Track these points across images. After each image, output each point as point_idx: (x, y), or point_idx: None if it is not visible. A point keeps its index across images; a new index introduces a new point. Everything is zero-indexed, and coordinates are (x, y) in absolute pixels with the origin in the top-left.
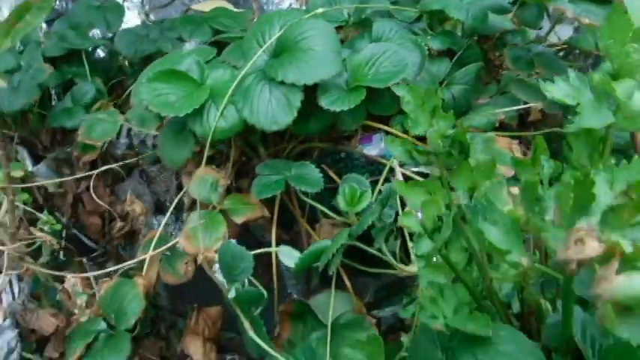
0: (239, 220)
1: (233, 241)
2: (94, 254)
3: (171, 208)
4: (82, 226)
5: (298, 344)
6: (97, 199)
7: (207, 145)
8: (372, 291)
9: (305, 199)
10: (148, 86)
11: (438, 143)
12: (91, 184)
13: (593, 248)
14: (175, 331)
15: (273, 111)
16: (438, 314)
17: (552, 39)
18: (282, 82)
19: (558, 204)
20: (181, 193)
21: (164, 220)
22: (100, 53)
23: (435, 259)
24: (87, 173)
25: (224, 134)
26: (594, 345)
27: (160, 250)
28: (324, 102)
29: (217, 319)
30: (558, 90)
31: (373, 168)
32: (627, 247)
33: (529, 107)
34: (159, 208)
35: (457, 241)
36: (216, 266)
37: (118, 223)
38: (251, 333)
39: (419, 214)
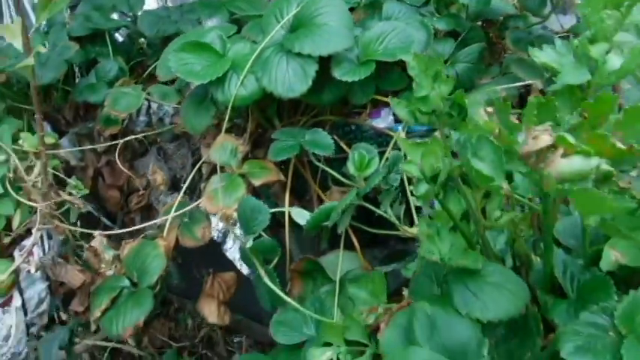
0: (257, 182)
1: None
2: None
3: (187, 182)
4: (99, 205)
5: (308, 299)
6: (121, 166)
7: (229, 110)
8: (378, 262)
9: (317, 163)
10: (175, 55)
11: (439, 105)
12: (116, 153)
13: (545, 140)
14: (184, 313)
15: (289, 80)
16: (435, 251)
17: (556, 27)
18: (298, 54)
19: (525, 122)
20: (200, 162)
21: (180, 193)
22: (119, 37)
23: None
24: (109, 143)
25: (244, 101)
26: (573, 280)
27: (180, 212)
28: (337, 73)
29: (232, 284)
30: (545, 55)
31: (381, 139)
32: (570, 139)
33: (529, 86)
34: (175, 185)
35: (454, 195)
36: (228, 245)
37: (139, 194)
38: (266, 279)
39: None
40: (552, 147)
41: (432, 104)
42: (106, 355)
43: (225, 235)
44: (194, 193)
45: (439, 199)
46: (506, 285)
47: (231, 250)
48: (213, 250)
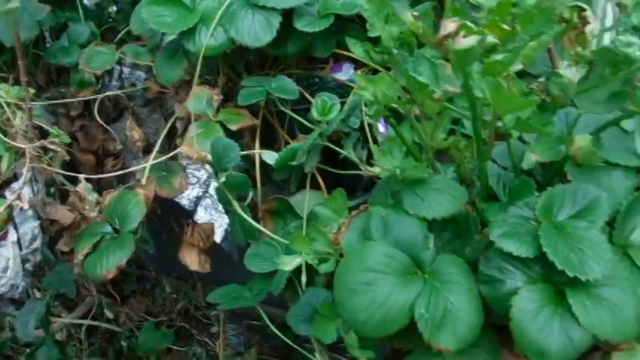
0: (234, 127)
1: None
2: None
3: (162, 138)
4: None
5: (278, 234)
6: (100, 121)
7: (200, 60)
8: None
9: (284, 110)
10: (147, 8)
11: (390, 44)
12: (95, 110)
13: (451, 27)
14: (160, 289)
15: (256, 30)
16: (388, 162)
17: None
18: (263, 7)
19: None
20: (173, 118)
21: (156, 147)
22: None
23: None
24: (83, 98)
25: (214, 51)
26: (505, 187)
27: (158, 160)
28: (299, 25)
29: (210, 233)
30: None
31: (342, 91)
32: (470, 25)
33: None
34: (148, 150)
35: (407, 124)
36: (200, 214)
37: (114, 157)
38: (239, 211)
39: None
40: (457, 32)
41: (384, 43)
42: (82, 332)
43: (196, 204)
44: (169, 151)
45: (392, 125)
46: (448, 190)
47: (203, 219)
48: (185, 220)
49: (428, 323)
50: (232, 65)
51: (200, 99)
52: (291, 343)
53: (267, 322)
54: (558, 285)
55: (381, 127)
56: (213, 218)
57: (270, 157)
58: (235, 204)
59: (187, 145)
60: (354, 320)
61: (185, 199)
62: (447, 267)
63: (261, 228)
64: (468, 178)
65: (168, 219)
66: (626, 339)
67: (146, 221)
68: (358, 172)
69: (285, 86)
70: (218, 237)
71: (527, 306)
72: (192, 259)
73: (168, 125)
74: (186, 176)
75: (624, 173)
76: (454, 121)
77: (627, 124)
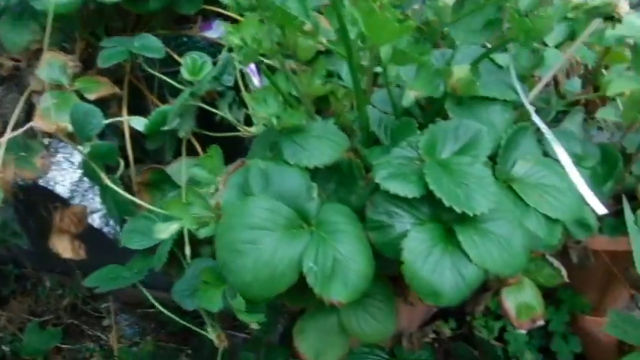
0: (92, 96)
1: None
2: None
3: (16, 114)
4: None
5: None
6: None
7: (49, 21)
8: None
9: (151, 71)
10: None
11: None
12: None
13: None
14: (42, 286)
15: None
16: (263, 111)
17: None
18: None
19: None
20: (27, 91)
21: (10, 124)
22: None
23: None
24: None
25: (65, 8)
26: (387, 130)
27: (16, 133)
28: None
29: (82, 216)
30: None
31: (214, 50)
32: None
33: None
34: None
35: (282, 75)
36: (77, 200)
37: None
38: (109, 183)
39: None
40: None
41: None
42: None
43: (73, 190)
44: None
45: (266, 74)
46: (328, 135)
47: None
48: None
49: (317, 276)
50: (92, 30)
51: (52, 66)
52: (184, 322)
53: (155, 304)
54: (447, 223)
55: (255, 81)
56: (92, 203)
57: (139, 123)
58: (104, 176)
59: (40, 117)
60: (240, 282)
61: (60, 186)
62: (333, 216)
63: (137, 200)
64: (348, 127)
65: (40, 209)
66: (515, 271)
67: (17, 215)
68: (237, 133)
69: (150, 44)
70: (98, 222)
71: (418, 247)
72: (64, 246)
73: (23, 100)
74: (49, 154)
75: (502, 107)
76: (331, 74)
77: (502, 59)
